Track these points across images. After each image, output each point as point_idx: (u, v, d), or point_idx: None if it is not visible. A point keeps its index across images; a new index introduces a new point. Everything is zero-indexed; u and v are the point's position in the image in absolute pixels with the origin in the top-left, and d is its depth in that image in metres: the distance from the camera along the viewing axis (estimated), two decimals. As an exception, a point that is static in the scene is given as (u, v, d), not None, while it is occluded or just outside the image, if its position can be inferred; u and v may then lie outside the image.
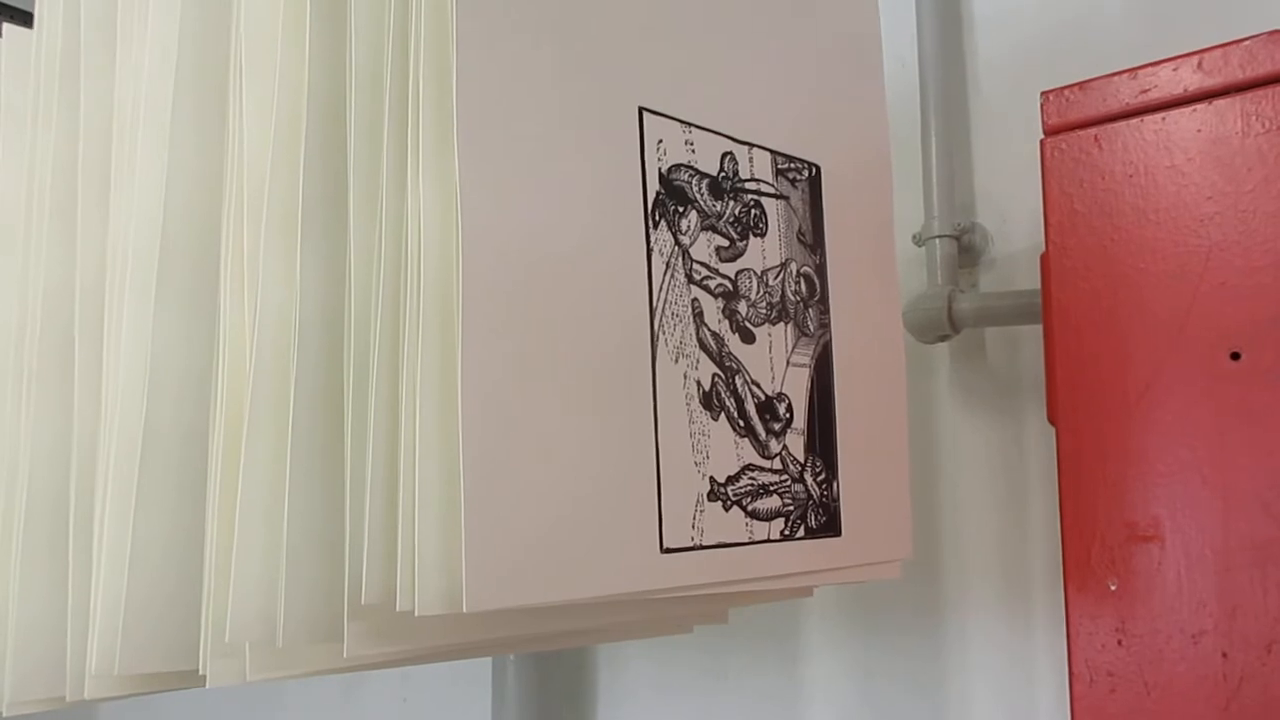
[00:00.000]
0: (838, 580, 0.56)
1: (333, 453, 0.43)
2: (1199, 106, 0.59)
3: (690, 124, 0.48)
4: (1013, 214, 0.87)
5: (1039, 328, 0.66)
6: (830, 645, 0.95)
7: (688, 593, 0.45)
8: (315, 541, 0.42)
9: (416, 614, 0.36)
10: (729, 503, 0.47)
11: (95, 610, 0.52)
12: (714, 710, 0.99)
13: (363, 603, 0.37)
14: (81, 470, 0.57)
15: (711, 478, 0.46)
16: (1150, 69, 0.61)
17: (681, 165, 0.47)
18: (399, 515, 0.37)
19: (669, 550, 0.43)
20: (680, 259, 0.46)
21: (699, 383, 0.46)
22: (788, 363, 0.51)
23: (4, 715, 0.60)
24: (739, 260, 0.50)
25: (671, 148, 0.47)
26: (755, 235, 0.51)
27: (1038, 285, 0.65)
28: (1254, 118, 0.59)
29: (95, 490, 0.56)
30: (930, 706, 0.88)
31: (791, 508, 0.50)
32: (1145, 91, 0.61)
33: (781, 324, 0.52)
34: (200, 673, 0.45)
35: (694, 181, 0.48)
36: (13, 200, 0.67)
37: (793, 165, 0.54)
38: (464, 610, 0.35)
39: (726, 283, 0.49)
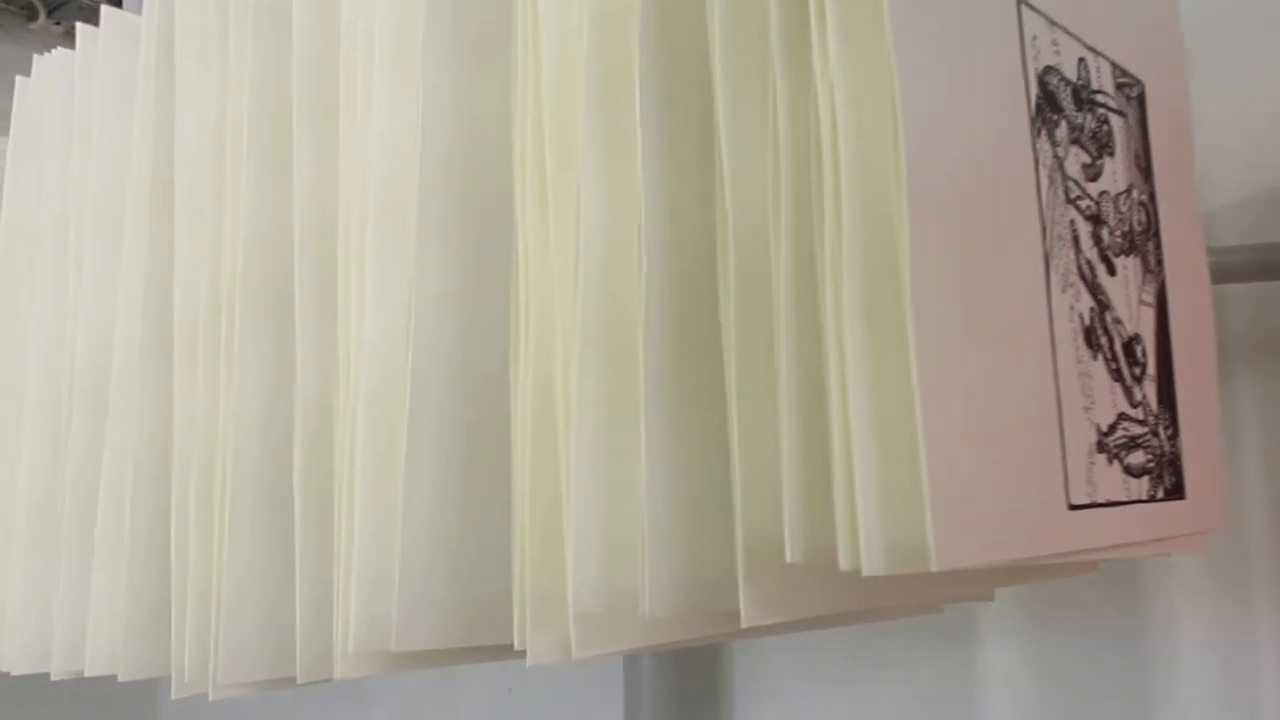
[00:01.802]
0: (1163, 551, 0.50)
1: (698, 394, 0.37)
2: None
3: (1055, 22, 0.43)
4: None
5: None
6: (1010, 630, 0.89)
7: (1087, 557, 0.39)
8: (685, 495, 0.36)
9: (864, 574, 0.30)
10: (1110, 455, 0.41)
11: (349, 583, 0.46)
12: (873, 703, 0.93)
13: (788, 561, 0.31)
14: (311, 438, 0.51)
15: (1096, 425, 0.40)
16: None
17: (1051, 68, 0.42)
18: (833, 466, 0.31)
19: (1075, 507, 0.38)
20: (1059, 173, 0.41)
21: (1081, 316, 0.41)
22: (1139, 300, 0.46)
23: (210, 698, 0.54)
24: (1098, 181, 0.44)
25: (1042, 48, 0.41)
26: (1107, 154, 0.45)
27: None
28: None
29: (334, 458, 0.50)
30: (1137, 708, 0.82)
31: (1153, 464, 0.44)
32: None
33: (1133, 256, 0.46)
34: (517, 646, 0.39)
35: (1062, 87, 0.42)
36: (197, 142, 0.61)
37: (1126, 80, 0.48)
38: (932, 569, 0.30)
39: (1092, 204, 0.43)
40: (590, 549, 0.37)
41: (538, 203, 0.42)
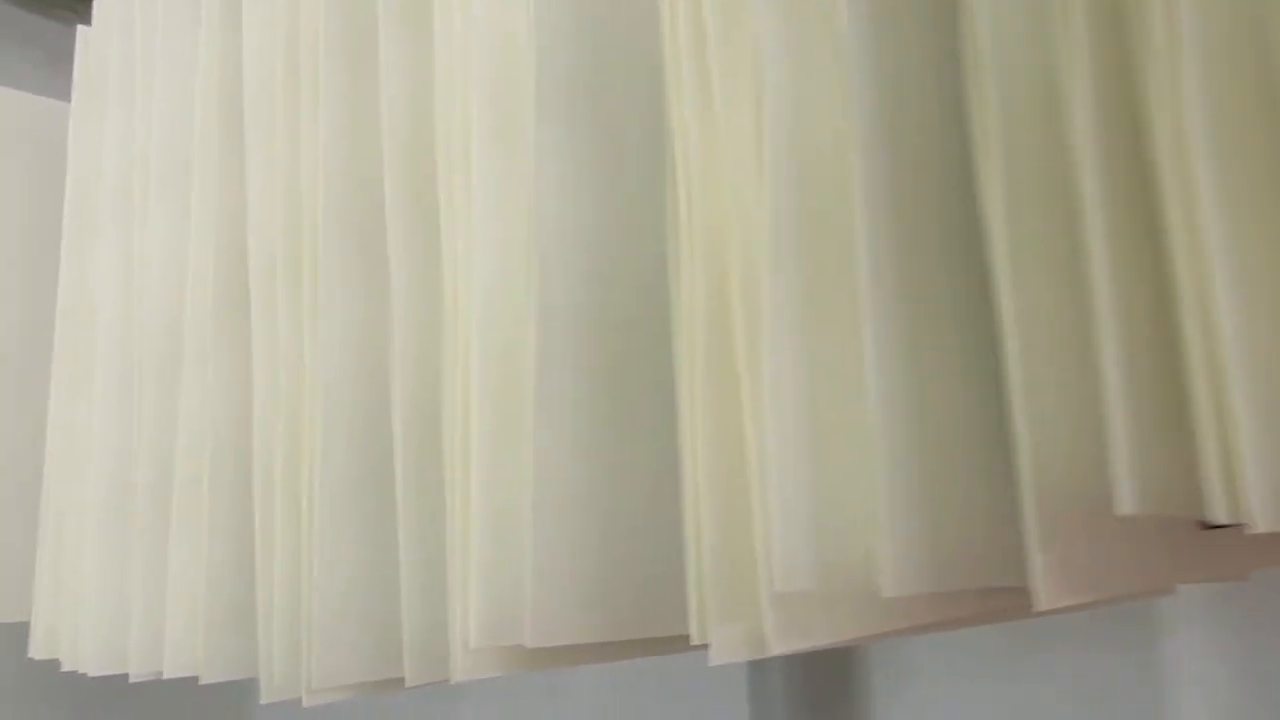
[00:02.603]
0: None
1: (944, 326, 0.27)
2: None
3: None
4: None
5: None
6: (1197, 619, 0.77)
7: None
8: (933, 442, 0.26)
9: (1260, 527, 0.21)
10: None
11: (468, 569, 0.38)
12: (1029, 700, 0.82)
13: (1124, 512, 0.22)
14: (415, 398, 0.42)
15: None
16: None
17: None
18: (1193, 406, 0.21)
19: None
20: None
21: None
22: None
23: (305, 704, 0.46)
24: None
25: None
26: None
27: None
28: None
29: (443, 422, 0.41)
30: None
31: None
32: None
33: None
34: (695, 640, 0.30)
35: None
36: (267, 59, 0.53)
37: None
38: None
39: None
40: (797, 517, 0.27)
41: (697, 83, 0.33)
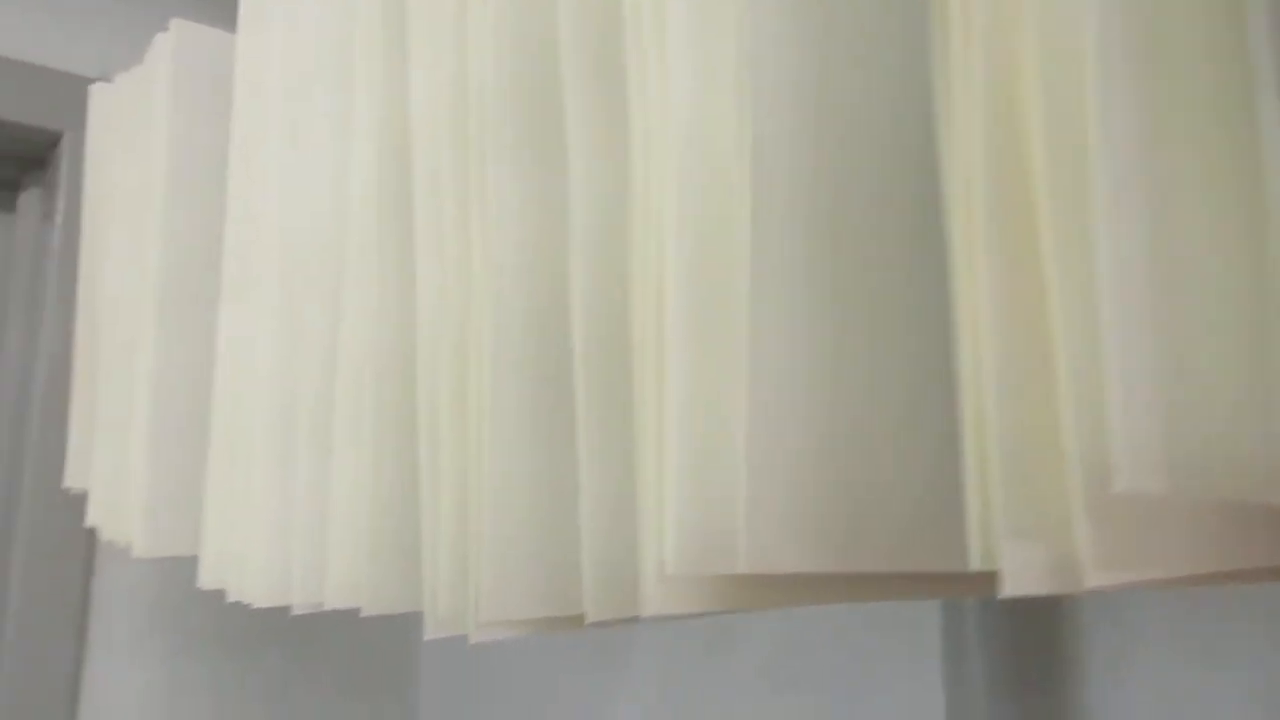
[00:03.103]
0: None
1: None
2: None
3: None
4: None
5: None
6: None
7: None
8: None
9: None
10: None
11: (664, 487, 0.31)
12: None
13: None
14: (598, 294, 0.36)
15: None
16: None
17: None
18: None
19: None
20: None
21: None
22: None
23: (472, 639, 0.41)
24: None
25: None
26: None
27: None
28: None
29: (632, 319, 0.35)
30: None
31: None
32: None
33: None
34: (976, 565, 0.23)
35: None
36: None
37: None
38: None
39: None
40: (1141, 400, 0.20)
41: None
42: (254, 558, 0.57)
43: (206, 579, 0.62)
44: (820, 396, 0.27)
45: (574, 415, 0.36)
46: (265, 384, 0.58)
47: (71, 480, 0.92)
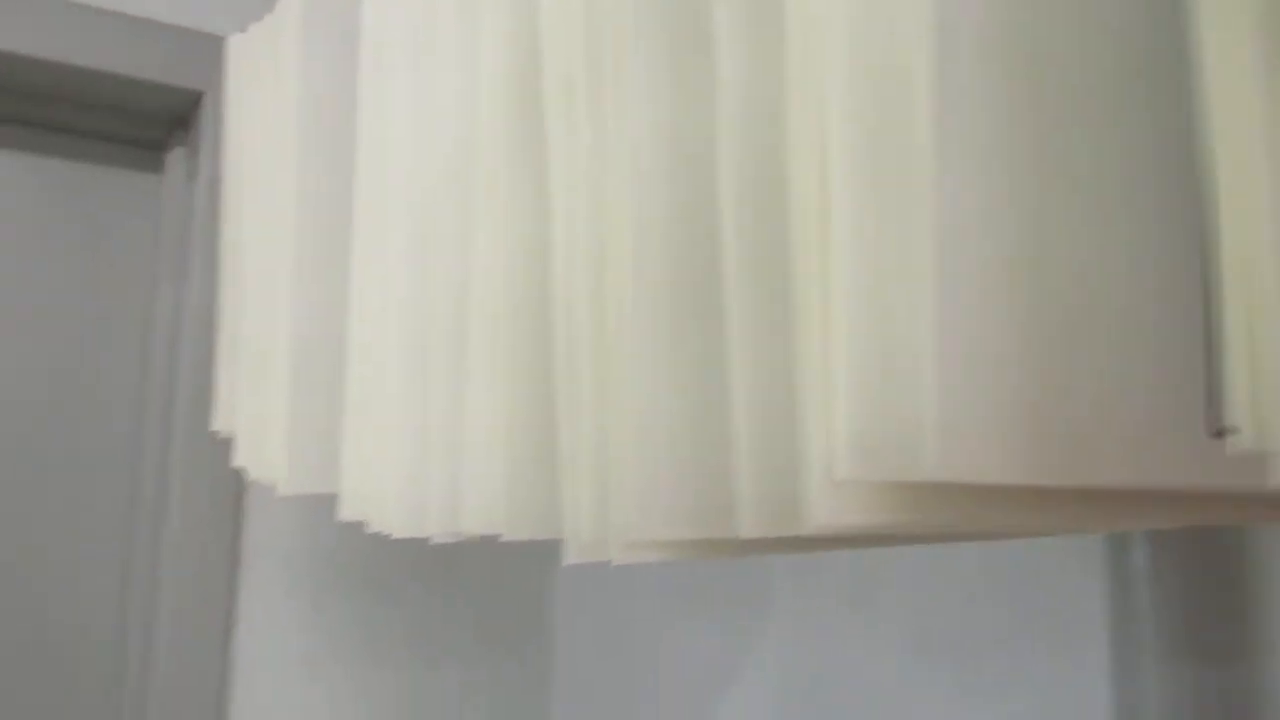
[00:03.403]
0: None
1: None
2: None
3: None
4: None
5: None
6: None
7: None
8: None
9: None
10: None
11: (830, 397, 0.28)
12: None
13: None
14: (753, 175, 0.33)
15: None
16: None
17: None
18: None
19: None
20: None
21: None
22: None
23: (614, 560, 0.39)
24: None
25: None
26: None
27: None
28: None
29: (791, 195, 0.32)
30: None
31: None
32: None
33: None
34: (1243, 441, 0.19)
35: None
36: None
37: None
38: None
39: None
40: None
41: None
42: (392, 489, 0.56)
43: (346, 511, 0.62)
44: (1026, 275, 0.24)
45: (723, 318, 0.33)
46: (399, 315, 0.57)
47: (219, 425, 0.95)
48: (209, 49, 1.19)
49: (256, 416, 0.84)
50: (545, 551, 1.27)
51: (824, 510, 0.27)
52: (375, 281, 0.63)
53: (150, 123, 1.25)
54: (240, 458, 0.85)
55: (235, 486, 1.17)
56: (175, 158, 1.28)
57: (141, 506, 1.21)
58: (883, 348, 0.26)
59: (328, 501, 1.19)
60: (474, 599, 1.24)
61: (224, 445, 1.13)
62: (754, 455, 0.31)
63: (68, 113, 1.21)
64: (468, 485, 0.48)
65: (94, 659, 1.18)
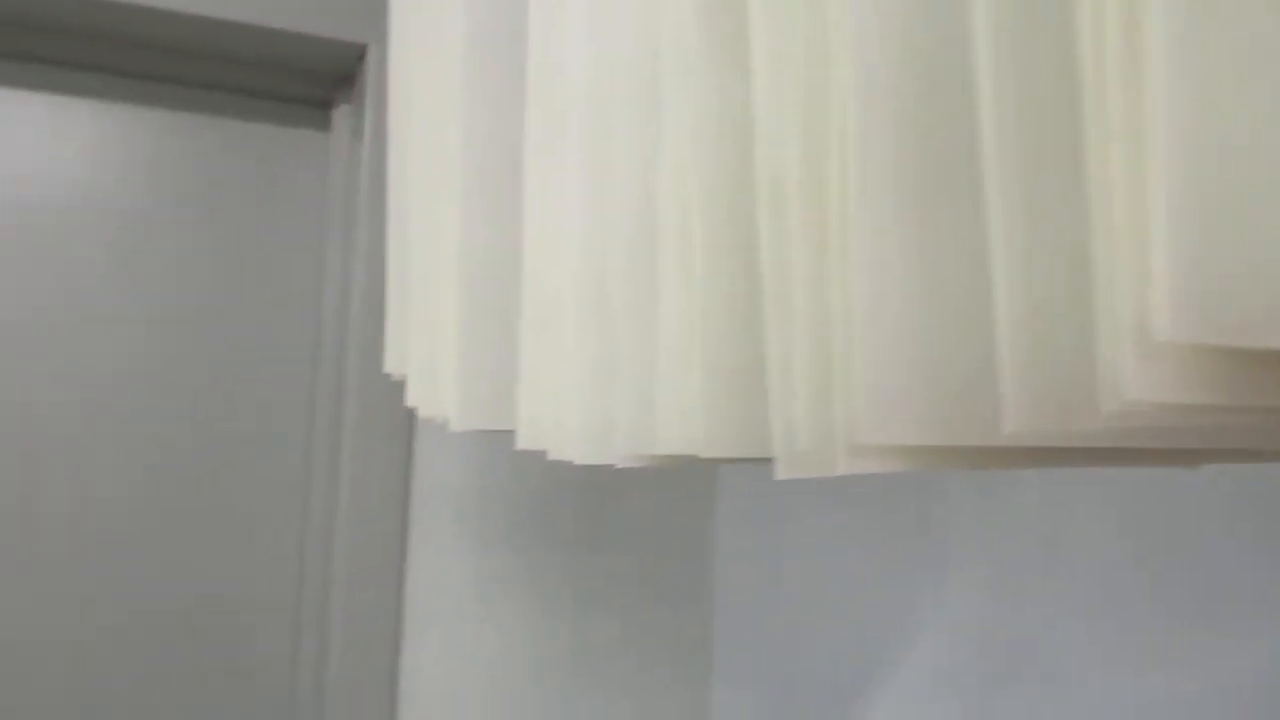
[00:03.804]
0: None
1: None
2: None
3: None
4: None
5: None
6: None
7: None
8: None
9: None
10: None
11: (1143, 262, 0.24)
12: None
13: None
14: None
15: None
16: None
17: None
18: None
19: None
20: None
21: None
22: None
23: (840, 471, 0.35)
24: None
25: None
26: None
27: None
28: None
29: (1077, 62, 0.27)
30: None
31: None
32: None
33: None
34: None
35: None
36: None
37: None
38: None
39: None
40: None
41: None
42: (574, 416, 0.54)
43: (525, 441, 0.60)
44: None
45: (976, 180, 0.29)
46: (578, 235, 0.55)
47: (390, 367, 0.96)
48: (372, 2, 1.21)
49: (427, 356, 0.84)
50: (706, 494, 1.24)
51: (1135, 384, 0.22)
52: (549, 208, 0.61)
53: (316, 79, 1.28)
54: (412, 398, 0.86)
55: (406, 430, 1.19)
56: (341, 114, 1.30)
57: (316, 452, 1.25)
58: (1221, 175, 0.21)
59: (495, 444, 1.20)
60: (637, 543, 1.23)
61: (394, 389, 1.16)
62: (1023, 338, 0.27)
63: (235, 72, 1.25)
64: (660, 404, 0.45)
65: (271, 601, 1.23)
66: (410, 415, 1.19)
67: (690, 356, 0.43)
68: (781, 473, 0.37)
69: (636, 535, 1.23)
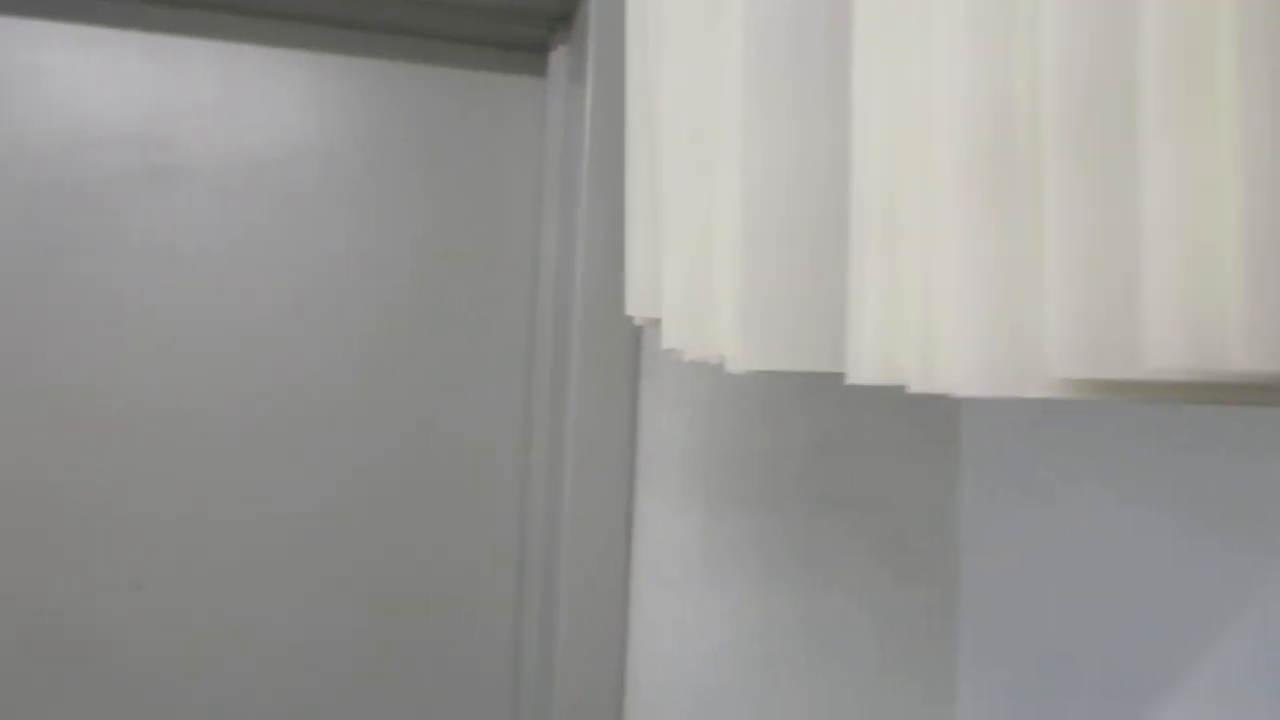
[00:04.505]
0: None
1: None
2: None
3: None
4: None
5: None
6: None
7: None
8: None
9: None
10: None
11: None
12: None
13: None
14: None
15: None
16: None
17: None
18: None
19: None
20: None
21: None
22: None
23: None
24: None
25: None
26: None
27: None
28: None
29: None
30: None
31: None
32: None
33: None
34: None
35: None
36: None
37: None
38: None
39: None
40: None
41: None
42: (957, 345, 0.44)
43: (868, 374, 0.51)
44: None
45: None
46: (948, 132, 0.44)
47: (634, 310, 0.89)
48: (595, -67, 1.13)
49: (688, 294, 0.76)
50: (951, 460, 1.12)
51: None
52: (892, 96, 0.50)
53: (531, 22, 1.22)
54: (670, 340, 0.77)
55: (631, 384, 1.12)
56: (559, 57, 1.23)
57: (536, 407, 1.20)
58: None
59: (721, 401, 1.11)
60: (874, 512, 1.12)
61: (617, 341, 1.08)
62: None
63: (448, 18, 1.20)
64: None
65: (494, 566, 1.19)
66: (634, 369, 1.11)
67: (1071, 276, 0.32)
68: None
69: (873, 504, 1.12)
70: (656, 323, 0.85)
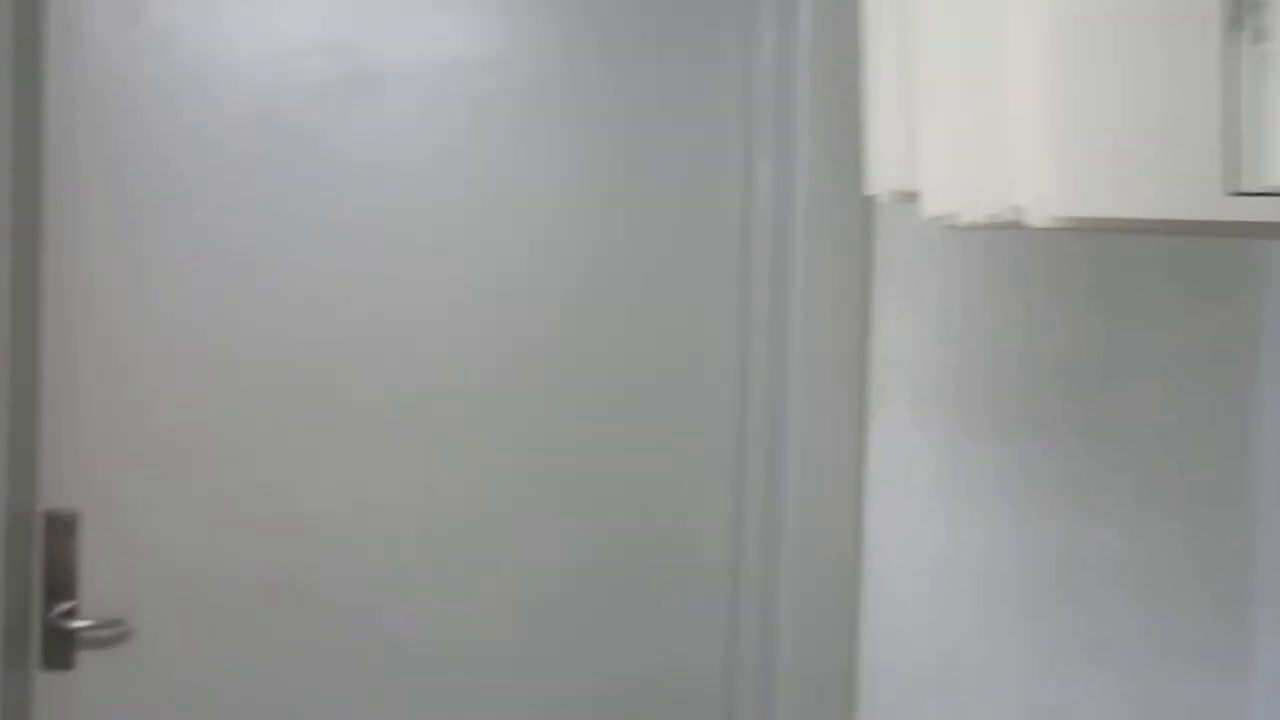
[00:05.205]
0: None
1: None
2: None
3: None
4: None
5: None
6: None
7: None
8: None
9: None
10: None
11: None
12: None
13: None
14: None
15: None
16: None
17: None
18: None
19: None
20: None
21: None
22: None
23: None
24: None
25: None
26: None
27: None
28: None
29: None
30: None
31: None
32: None
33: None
34: None
35: None
36: None
37: None
38: None
39: None
40: None
41: None
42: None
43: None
44: None
45: None
46: None
47: (881, 186, 0.77)
48: None
49: (973, 145, 0.64)
50: (1246, 388, 0.94)
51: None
52: None
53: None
54: (937, 205, 0.66)
55: (861, 297, 1.00)
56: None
57: (755, 329, 1.10)
58: None
59: (968, 311, 0.97)
60: (1149, 438, 0.96)
61: (841, 248, 0.97)
62: None
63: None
64: None
65: (713, 496, 1.10)
66: (864, 282, 0.99)
67: None
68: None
69: (1148, 429, 0.95)
70: (910, 196, 0.74)
